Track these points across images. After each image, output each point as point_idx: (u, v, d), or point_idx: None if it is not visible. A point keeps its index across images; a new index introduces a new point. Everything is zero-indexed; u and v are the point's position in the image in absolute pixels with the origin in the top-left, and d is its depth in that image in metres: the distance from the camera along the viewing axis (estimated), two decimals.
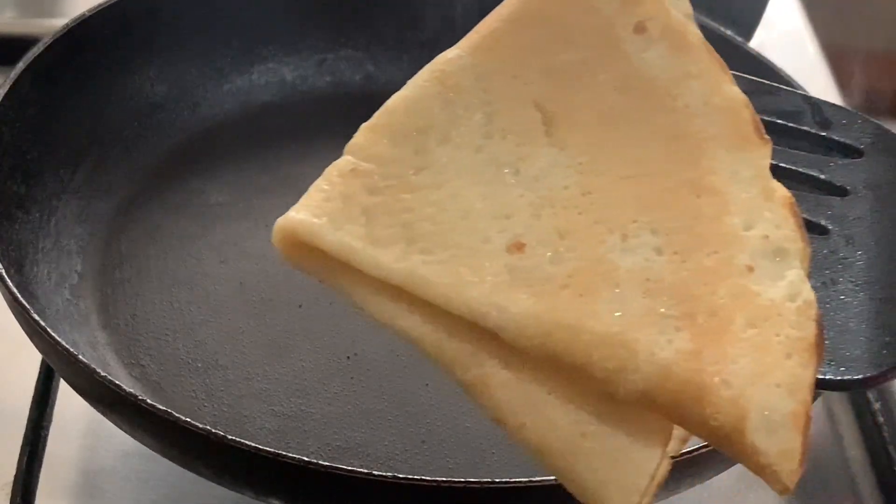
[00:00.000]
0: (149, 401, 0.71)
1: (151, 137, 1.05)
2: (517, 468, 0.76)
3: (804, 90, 0.95)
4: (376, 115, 0.59)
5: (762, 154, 0.58)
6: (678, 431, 0.57)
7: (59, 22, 0.99)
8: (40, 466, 0.86)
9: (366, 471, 0.70)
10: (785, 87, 0.65)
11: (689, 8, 0.62)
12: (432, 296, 0.55)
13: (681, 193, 0.57)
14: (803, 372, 0.54)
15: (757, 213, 0.57)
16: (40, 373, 0.91)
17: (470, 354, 0.55)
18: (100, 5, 1.00)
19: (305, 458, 0.69)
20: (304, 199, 0.56)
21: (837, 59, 1.35)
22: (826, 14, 1.48)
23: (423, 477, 0.70)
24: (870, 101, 1.24)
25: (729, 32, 1.03)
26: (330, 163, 0.58)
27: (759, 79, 0.65)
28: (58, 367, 0.79)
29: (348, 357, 0.90)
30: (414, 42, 1.13)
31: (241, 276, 0.96)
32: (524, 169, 0.58)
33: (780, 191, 0.58)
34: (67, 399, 0.87)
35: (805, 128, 0.64)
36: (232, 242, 0.99)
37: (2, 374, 0.95)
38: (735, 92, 0.60)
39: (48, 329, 0.75)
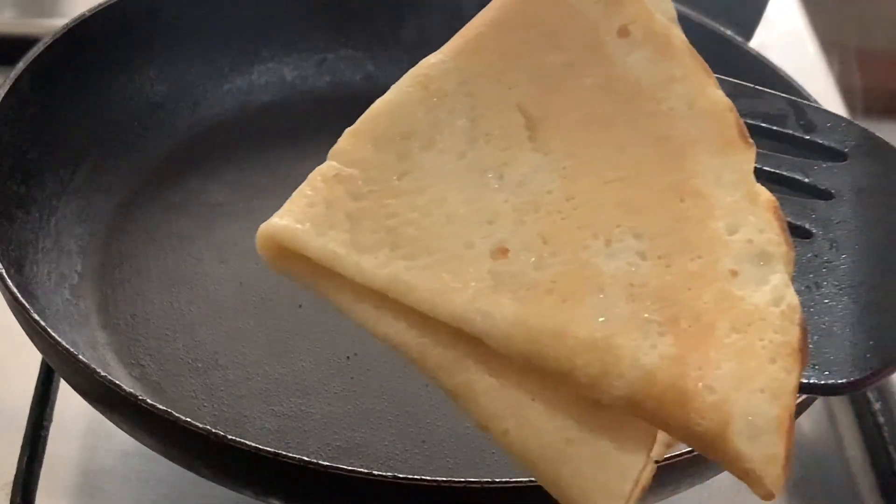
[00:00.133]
0: (149, 401, 0.71)
1: (151, 137, 1.05)
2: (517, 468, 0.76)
3: (804, 90, 0.95)
4: (360, 120, 0.59)
5: (746, 158, 0.58)
6: (663, 436, 0.57)
7: (59, 22, 0.99)
8: (40, 466, 0.86)
9: (366, 471, 0.70)
10: (769, 91, 0.65)
11: (672, 12, 0.62)
12: (416, 301, 0.55)
13: (665, 197, 0.57)
14: (787, 377, 0.53)
15: (741, 216, 0.57)
16: (40, 373, 0.91)
17: (454, 360, 0.55)
18: (100, 5, 1.00)
19: (305, 458, 0.69)
20: (287, 205, 0.56)
21: (837, 59, 1.35)
22: (826, 14, 1.48)
23: (423, 477, 0.70)
24: (870, 101, 1.23)
25: (729, 32, 1.03)
26: None
27: (743, 82, 0.64)
28: (58, 367, 0.80)
29: (348, 357, 0.90)
30: (414, 42, 1.12)
31: (241, 276, 0.96)
32: (508, 174, 0.58)
33: (765, 194, 0.57)
34: (67, 399, 0.87)
35: (789, 131, 0.64)
36: (232, 242, 0.99)
37: (2, 374, 0.96)
38: (719, 95, 0.60)
39: (48, 329, 0.75)
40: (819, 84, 1.30)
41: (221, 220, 1.01)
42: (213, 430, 0.70)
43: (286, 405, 0.86)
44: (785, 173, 0.63)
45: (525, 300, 0.55)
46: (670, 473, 0.70)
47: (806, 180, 0.63)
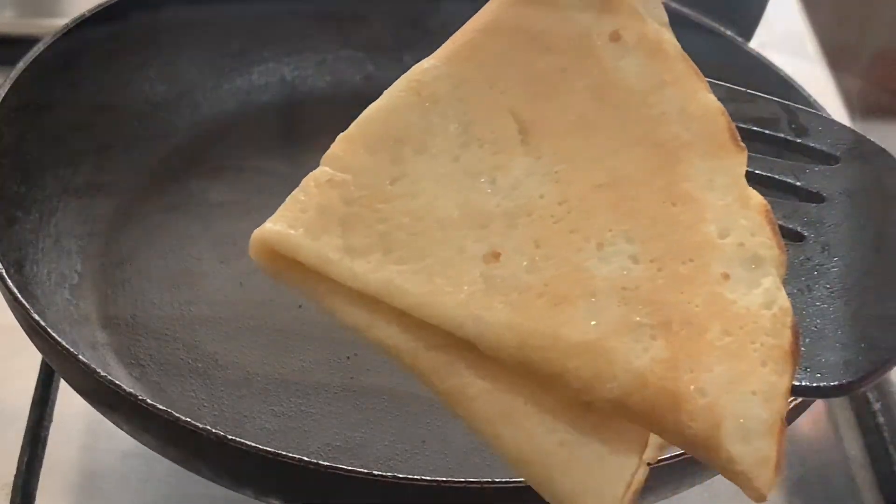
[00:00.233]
0: (149, 401, 0.71)
1: (151, 137, 1.05)
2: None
3: (804, 90, 0.95)
4: (353, 125, 0.59)
5: (738, 161, 0.58)
6: (655, 439, 0.57)
7: (59, 22, 0.99)
8: (40, 466, 0.86)
9: (366, 471, 0.70)
10: (761, 94, 0.65)
11: (664, 17, 0.62)
12: (408, 305, 0.55)
13: (656, 201, 0.57)
14: (779, 379, 0.53)
15: (733, 220, 0.57)
16: (40, 373, 0.91)
17: (446, 364, 0.55)
18: (100, 5, 1.00)
19: (305, 458, 0.69)
20: (280, 210, 0.57)
21: (837, 59, 1.34)
22: (826, 14, 1.48)
23: (423, 477, 0.70)
24: (869, 101, 1.23)
25: (729, 32, 1.02)
26: None
27: (735, 86, 0.64)
28: (58, 367, 0.80)
29: (348, 357, 0.90)
30: (414, 42, 1.12)
31: (241, 276, 0.96)
32: (500, 178, 0.58)
33: (756, 198, 0.58)
34: (67, 399, 0.87)
35: (781, 134, 0.64)
36: (232, 242, 0.99)
37: (2, 374, 0.96)
38: (711, 99, 0.60)
39: (48, 329, 0.75)
40: (818, 84, 1.29)
41: (221, 220, 1.01)
42: (213, 430, 0.70)
43: (286, 405, 0.86)
44: (777, 177, 0.63)
45: (517, 304, 0.55)
46: (670, 473, 0.70)
47: (798, 183, 0.62)
